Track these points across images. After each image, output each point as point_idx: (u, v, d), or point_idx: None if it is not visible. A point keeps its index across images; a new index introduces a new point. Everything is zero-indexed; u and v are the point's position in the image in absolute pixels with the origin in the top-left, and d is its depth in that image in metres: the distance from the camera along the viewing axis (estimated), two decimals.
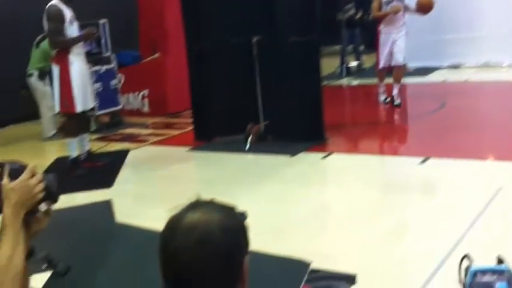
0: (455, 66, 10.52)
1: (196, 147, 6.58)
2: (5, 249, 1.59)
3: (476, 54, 10.04)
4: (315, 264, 3.03)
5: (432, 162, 5.03)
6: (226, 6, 6.37)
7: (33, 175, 1.70)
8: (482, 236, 3.48)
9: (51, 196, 1.75)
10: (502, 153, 5.27)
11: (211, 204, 1.27)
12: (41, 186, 1.70)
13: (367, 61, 12.14)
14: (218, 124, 6.65)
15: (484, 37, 10.12)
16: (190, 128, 7.14)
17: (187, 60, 6.94)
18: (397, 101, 7.74)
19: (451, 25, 10.26)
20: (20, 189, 1.65)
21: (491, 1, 10.09)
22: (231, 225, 1.23)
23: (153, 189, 5.37)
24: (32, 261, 1.76)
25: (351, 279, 3.06)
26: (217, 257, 1.18)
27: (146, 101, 9.05)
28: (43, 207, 1.76)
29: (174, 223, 1.23)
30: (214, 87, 6.69)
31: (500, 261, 2.57)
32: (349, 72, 11.43)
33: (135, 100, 9.15)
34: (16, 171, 1.70)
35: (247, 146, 6.14)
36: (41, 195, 1.71)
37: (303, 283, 2.78)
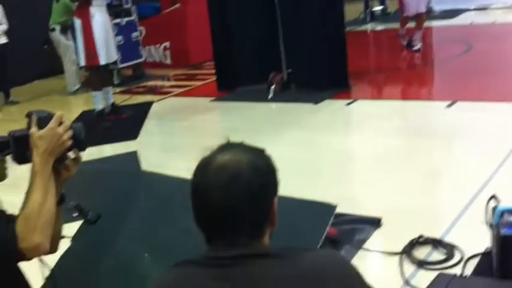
0: (483, 8, 10.21)
1: (219, 98, 6.57)
2: (36, 196, 1.62)
3: None
4: (341, 209, 3.04)
5: (459, 105, 4.95)
6: None
7: (60, 123, 1.72)
8: (509, 177, 3.45)
9: (79, 144, 1.78)
10: None
11: (241, 146, 1.29)
12: (69, 133, 1.72)
13: (392, 5, 11.81)
14: (241, 74, 6.61)
15: None
16: (213, 78, 7.12)
17: (208, 10, 6.86)
18: (418, 46, 7.58)
19: None
20: (48, 137, 1.67)
21: None
22: (260, 165, 1.24)
23: (177, 140, 5.41)
24: (63, 210, 1.81)
25: (376, 222, 3.08)
26: (248, 195, 1.20)
27: (168, 53, 9.02)
28: (71, 154, 1.79)
29: (204, 164, 1.24)
30: (236, 37, 6.62)
31: None
32: (374, 18, 11.18)
33: (156, 52, 9.13)
34: (44, 120, 1.72)
35: (270, 95, 6.11)
36: (69, 142, 1.73)
37: (328, 226, 2.80)
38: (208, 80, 7.48)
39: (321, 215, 2.83)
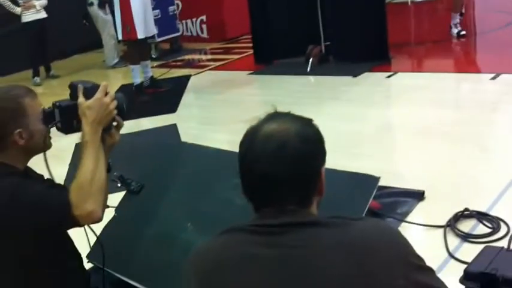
0: None
1: (257, 71, 6.55)
2: (88, 164, 1.66)
3: None
4: (383, 182, 3.00)
5: (504, 78, 4.82)
6: None
7: (106, 93, 1.74)
8: None
9: (122, 112, 1.81)
10: None
11: (288, 115, 1.28)
12: (115, 103, 1.75)
13: None
14: (278, 47, 6.56)
15: None
16: (250, 52, 7.09)
17: None
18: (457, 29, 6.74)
19: None
20: (96, 107, 1.70)
21: None
22: (308, 134, 1.23)
23: (215, 113, 5.42)
24: (109, 179, 1.84)
25: (419, 195, 3.04)
26: (296, 163, 1.19)
27: (205, 26, 9.01)
28: (115, 123, 1.83)
29: (252, 133, 1.24)
30: (273, 10, 6.56)
31: None
32: None
33: (193, 26, 9.12)
34: (90, 90, 1.75)
35: (309, 68, 6.05)
36: (115, 112, 1.76)
37: (371, 198, 2.77)
38: (245, 54, 7.45)
39: (364, 187, 2.78)
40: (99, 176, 1.66)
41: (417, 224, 2.83)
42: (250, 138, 1.23)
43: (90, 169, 1.65)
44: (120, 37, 6.22)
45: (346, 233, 1.17)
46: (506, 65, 5.23)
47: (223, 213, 2.41)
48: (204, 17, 8.94)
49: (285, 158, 1.18)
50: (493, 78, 4.85)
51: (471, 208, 2.78)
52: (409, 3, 10.18)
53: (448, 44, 6.62)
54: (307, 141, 1.21)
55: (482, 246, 2.49)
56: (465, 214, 2.76)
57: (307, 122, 1.27)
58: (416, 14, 9.73)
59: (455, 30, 6.64)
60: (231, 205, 2.33)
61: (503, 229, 2.61)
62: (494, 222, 2.67)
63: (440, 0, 8.36)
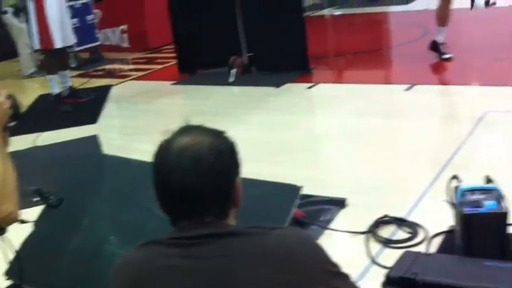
0: None
1: (180, 81, 6.51)
2: None
3: None
4: (307, 190, 3.06)
5: (418, 88, 5.04)
6: None
7: None
8: (469, 157, 3.54)
9: (17, 112, 1.82)
10: (486, 78, 5.29)
11: (201, 128, 1.29)
12: (8, 102, 1.75)
13: None
14: (201, 57, 6.56)
15: None
16: (173, 62, 7.05)
17: None
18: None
19: None
20: None
21: None
22: (221, 146, 1.25)
23: (138, 123, 5.34)
24: (24, 195, 1.78)
25: (341, 202, 3.12)
26: (210, 175, 1.20)
27: (126, 36, 8.86)
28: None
29: (165, 147, 1.24)
30: (196, 20, 6.55)
31: (488, 180, 2.61)
32: (332, 3, 11.23)
33: (114, 35, 8.96)
34: None
35: (231, 79, 6.08)
36: (9, 111, 1.75)
37: (293, 207, 2.82)
38: (168, 64, 7.40)
39: (286, 197, 2.84)
40: (9, 176, 1.62)
41: (340, 230, 2.89)
42: (164, 152, 1.24)
43: (1, 171, 1.60)
44: (36, 46, 6.01)
45: (264, 242, 1.18)
46: (419, 76, 5.48)
47: (146, 224, 2.38)
48: (125, 27, 8.80)
49: (199, 171, 1.19)
50: (408, 88, 5.06)
51: (391, 214, 2.88)
52: (327, 16, 10.50)
53: (366, 56, 6.84)
54: (220, 153, 1.23)
55: (402, 251, 2.59)
56: (385, 220, 2.86)
57: (220, 134, 1.29)
58: (336, 26, 10.03)
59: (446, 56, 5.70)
60: (154, 216, 2.30)
61: (422, 234, 2.72)
62: (413, 228, 2.77)
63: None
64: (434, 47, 5.76)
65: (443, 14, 5.55)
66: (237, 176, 1.28)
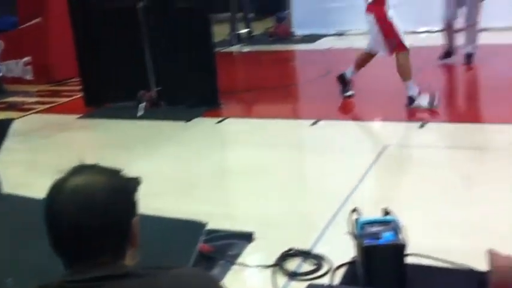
0: (340, 34, 10.88)
1: (86, 115, 6.37)
2: None
3: (360, 22, 10.43)
4: (214, 225, 3.08)
5: (323, 123, 5.23)
6: None
7: None
8: (369, 190, 3.70)
9: None
10: (386, 114, 5.60)
11: (95, 168, 1.28)
12: None
13: (257, 28, 12.27)
14: (109, 91, 6.47)
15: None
16: (79, 95, 6.89)
17: (71, 24, 6.65)
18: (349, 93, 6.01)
19: None
20: None
21: None
22: (116, 187, 1.24)
23: (42, 158, 5.15)
24: None
25: (248, 236, 3.15)
26: (104, 216, 1.19)
27: (29, 68, 8.57)
28: None
29: (57, 187, 1.22)
30: (103, 53, 6.48)
31: (386, 213, 2.75)
32: (240, 40, 11.49)
33: (17, 67, 8.64)
34: None
35: (140, 113, 6.03)
36: None
37: (198, 244, 2.82)
38: (74, 97, 7.22)
39: (191, 233, 2.85)
40: None
41: (247, 265, 2.92)
42: (56, 193, 1.21)
43: None
44: None
45: (159, 283, 1.18)
46: (324, 112, 5.69)
47: (46, 265, 2.29)
48: (28, 58, 8.52)
49: (93, 212, 1.18)
50: (314, 123, 5.24)
51: (297, 247, 2.95)
52: (236, 53, 10.71)
53: (274, 92, 7.02)
54: (115, 193, 1.22)
55: (307, 283, 2.66)
56: (290, 253, 2.92)
57: (116, 174, 1.28)
58: (245, 62, 10.25)
59: (424, 102, 5.40)
60: (54, 257, 2.23)
61: (326, 265, 2.80)
62: (317, 260, 2.85)
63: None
64: (342, 80, 5.98)
65: (404, 68, 5.42)
66: (134, 216, 1.27)
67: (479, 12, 6.91)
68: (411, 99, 5.43)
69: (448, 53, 7.05)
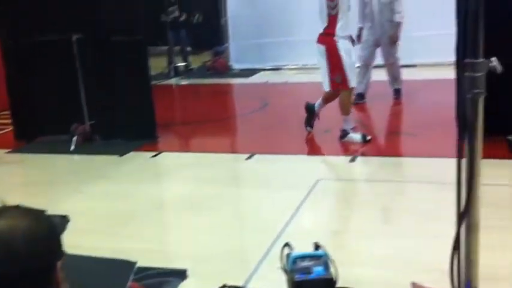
0: (277, 68, 11.11)
1: (17, 149, 6.18)
2: None
3: (295, 57, 10.70)
4: (146, 262, 3.04)
5: (257, 157, 5.30)
6: (44, 2, 6.07)
7: None
8: (302, 225, 3.76)
9: None
10: (319, 148, 5.75)
11: (18, 210, 1.25)
12: None
13: (194, 62, 12.36)
14: (40, 124, 6.32)
15: (302, 41, 10.82)
16: (9, 128, 6.69)
17: (2, 56, 6.50)
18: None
19: (273, 30, 10.82)
20: None
21: (307, 9, 10.80)
22: (38, 231, 1.21)
23: None
24: None
25: (182, 274, 3.12)
26: (23, 265, 1.17)
27: None
28: None
29: None
30: (34, 85, 6.33)
31: (317, 247, 2.79)
32: (177, 73, 11.53)
33: None
34: None
35: (73, 147, 5.92)
36: None
37: (128, 283, 2.77)
38: (4, 131, 7.00)
39: (120, 273, 2.79)
40: None
41: None
42: None
43: None
44: None
45: None
46: (259, 146, 5.78)
47: None
48: None
49: (14, 259, 1.15)
50: (248, 157, 5.29)
51: (231, 282, 2.93)
52: (173, 86, 10.72)
53: (210, 126, 7.06)
54: (37, 238, 1.20)
55: None
56: None
57: (39, 215, 1.26)
58: (182, 95, 10.26)
59: (357, 137, 5.56)
60: None
61: None
62: None
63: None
64: (309, 111, 5.92)
65: (345, 104, 5.57)
66: (59, 258, 1.24)
67: (397, 51, 7.20)
68: (344, 133, 5.58)
69: (361, 95, 7.26)
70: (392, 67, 7.32)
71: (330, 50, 5.37)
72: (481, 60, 2.01)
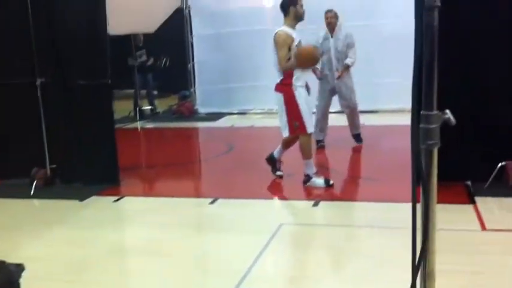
0: (243, 113, 11.21)
1: None
2: None
3: (261, 101, 10.83)
4: None
5: (221, 201, 5.28)
6: (9, 45, 6.04)
7: None
8: (264, 269, 3.73)
9: None
10: (283, 192, 5.76)
11: None
12: None
13: (160, 105, 12.40)
14: (1, 167, 6.19)
15: (267, 86, 10.97)
16: None
17: None
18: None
19: (239, 75, 10.98)
20: None
21: (273, 55, 11.00)
22: None
23: None
24: None
25: None
26: None
27: None
28: None
29: None
30: None
31: None
32: (143, 116, 11.53)
33: None
34: None
35: (33, 191, 5.81)
36: None
37: None
38: None
39: None
40: None
41: None
42: None
43: None
44: None
45: None
46: (223, 190, 5.77)
47: None
48: None
49: None
50: (212, 202, 5.28)
51: None
52: (138, 129, 10.69)
53: (174, 169, 7.03)
54: None
55: None
56: None
57: None
58: (146, 139, 10.22)
59: (319, 181, 5.63)
60: None
61: None
62: None
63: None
64: (271, 161, 6.07)
65: (305, 148, 5.64)
66: None
67: (355, 97, 7.40)
68: (307, 178, 5.63)
69: (320, 142, 7.41)
70: (352, 113, 7.48)
71: (288, 98, 5.52)
72: (435, 112, 2.07)
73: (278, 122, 5.72)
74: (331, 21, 7.20)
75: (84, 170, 6.02)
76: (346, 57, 7.22)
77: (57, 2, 5.94)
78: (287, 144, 5.90)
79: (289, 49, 5.44)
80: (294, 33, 5.50)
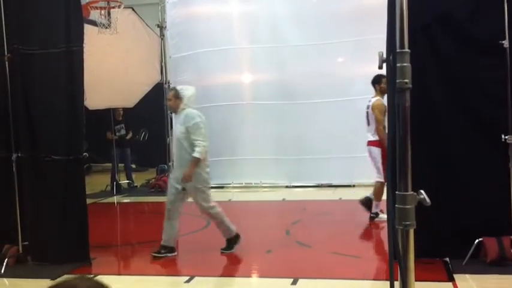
0: (220, 187, 11.16)
1: None
2: None
3: (239, 176, 10.83)
4: None
5: (198, 280, 5.16)
6: None
7: None
8: None
9: None
10: (260, 269, 5.65)
11: None
12: None
13: (138, 179, 12.31)
14: None
15: (245, 160, 11.02)
16: None
17: None
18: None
19: (217, 149, 10.99)
20: None
21: (250, 131, 11.13)
22: None
23: None
24: None
25: None
26: None
27: None
28: None
29: None
30: None
31: None
32: (120, 190, 11.41)
33: None
34: None
35: (3, 269, 5.61)
36: None
37: None
38: None
39: None
40: None
41: None
42: None
43: None
44: None
45: None
46: (199, 268, 5.64)
47: None
48: None
49: None
50: (187, 281, 5.15)
51: None
52: (115, 203, 10.54)
53: (152, 245, 6.85)
54: None
55: None
56: None
57: None
58: (122, 214, 10.06)
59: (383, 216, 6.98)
60: None
61: None
62: None
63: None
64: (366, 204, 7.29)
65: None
66: None
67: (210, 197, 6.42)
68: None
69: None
70: (212, 217, 6.29)
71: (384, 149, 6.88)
72: (410, 193, 2.07)
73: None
74: None
75: (55, 249, 5.84)
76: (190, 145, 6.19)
77: (35, 78, 5.96)
78: (378, 195, 7.12)
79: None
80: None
